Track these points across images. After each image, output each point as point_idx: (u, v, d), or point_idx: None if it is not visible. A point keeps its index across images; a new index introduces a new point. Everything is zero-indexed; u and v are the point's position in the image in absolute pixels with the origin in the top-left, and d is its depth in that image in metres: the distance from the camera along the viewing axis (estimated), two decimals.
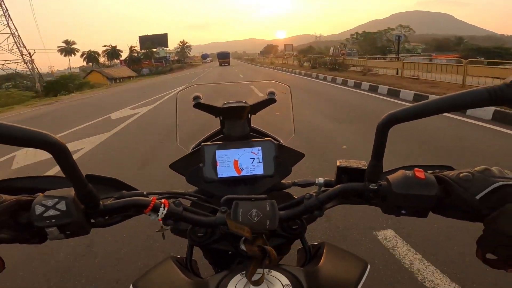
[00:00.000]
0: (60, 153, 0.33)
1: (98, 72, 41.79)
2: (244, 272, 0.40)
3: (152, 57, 61.87)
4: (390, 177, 0.41)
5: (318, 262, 0.43)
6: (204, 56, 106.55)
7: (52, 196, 0.37)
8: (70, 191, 0.38)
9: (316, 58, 17.94)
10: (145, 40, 66.65)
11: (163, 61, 64.26)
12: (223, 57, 49.80)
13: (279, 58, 33.67)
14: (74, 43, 62.34)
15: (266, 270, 0.40)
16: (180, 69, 51.69)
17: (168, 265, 0.45)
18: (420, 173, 0.39)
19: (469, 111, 4.47)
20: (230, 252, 0.51)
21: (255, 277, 0.38)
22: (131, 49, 61.22)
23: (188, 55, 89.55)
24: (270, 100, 0.56)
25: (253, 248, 0.39)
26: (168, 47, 71.29)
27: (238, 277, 0.39)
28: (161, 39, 70.68)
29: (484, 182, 0.36)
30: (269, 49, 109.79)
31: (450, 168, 0.44)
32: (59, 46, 61.80)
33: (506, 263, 0.35)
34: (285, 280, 0.38)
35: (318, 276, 0.41)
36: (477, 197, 0.36)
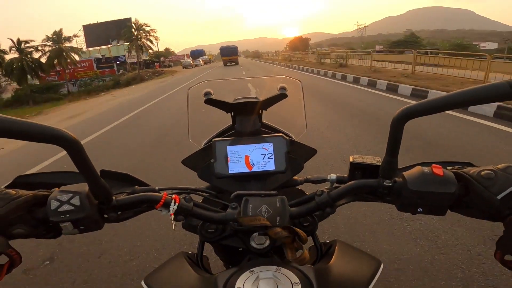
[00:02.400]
0: (73, 148, 0.33)
1: None
2: (254, 268, 0.40)
3: (101, 60, 33.03)
4: (406, 173, 0.39)
5: (329, 260, 0.43)
6: (195, 55, 63.11)
7: (66, 191, 0.38)
8: (84, 186, 0.38)
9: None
10: (95, 30, 37.97)
11: (115, 65, 33.95)
12: (229, 54, 34.71)
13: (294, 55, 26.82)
14: None
15: (275, 267, 0.39)
16: (143, 80, 25.48)
17: (179, 261, 0.45)
18: (438, 170, 0.38)
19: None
20: (240, 249, 0.51)
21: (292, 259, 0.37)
22: (20, 45, 25.16)
23: (174, 53, 62.78)
24: (281, 96, 0.56)
25: (277, 230, 0.38)
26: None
27: (247, 273, 0.39)
28: (120, 26, 36.18)
29: (507, 181, 0.35)
30: (295, 44, 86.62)
31: (470, 164, 0.42)
32: None
33: None
34: (295, 278, 0.38)
35: (329, 274, 0.40)
36: (499, 196, 0.34)
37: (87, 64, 31.45)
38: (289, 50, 64.84)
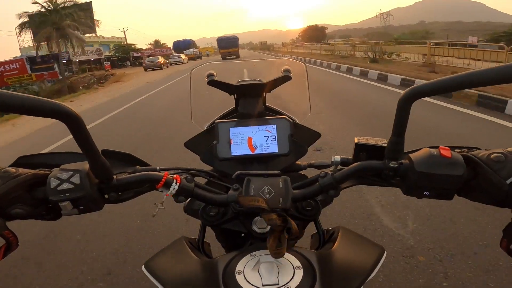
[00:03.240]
0: (74, 123, 0.32)
1: None
2: (255, 252, 0.39)
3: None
4: (412, 155, 0.38)
5: (332, 246, 0.42)
6: (180, 47, 45.26)
7: (67, 170, 0.37)
8: (85, 165, 0.38)
9: None
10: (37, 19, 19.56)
11: (55, 65, 18.34)
12: (228, 46, 29.87)
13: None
14: None
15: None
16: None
17: (180, 246, 0.45)
18: (446, 152, 0.36)
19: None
20: (243, 235, 0.50)
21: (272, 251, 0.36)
22: None
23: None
24: (285, 78, 0.55)
25: (272, 216, 0.37)
26: (95, 33, 24.13)
27: (248, 257, 0.39)
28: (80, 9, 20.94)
29: None
30: (309, 34, 66.05)
31: (478, 149, 0.41)
32: None
33: None
34: (297, 262, 0.37)
35: (331, 259, 0.40)
36: (508, 181, 0.33)
37: (17, 66, 18.50)
38: (302, 41, 52.14)
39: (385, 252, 0.40)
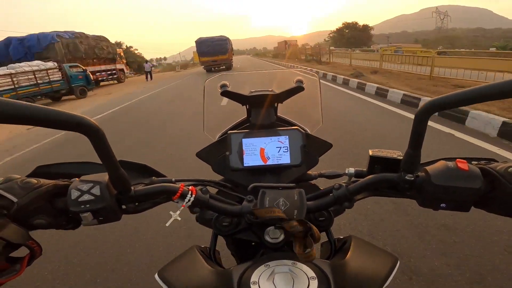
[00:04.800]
0: (96, 136, 0.33)
1: None
2: (269, 263, 0.39)
3: None
4: (429, 168, 0.38)
5: (345, 256, 0.42)
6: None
7: (87, 181, 0.38)
8: (104, 176, 0.38)
9: None
10: None
11: None
12: (213, 52, 18.55)
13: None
14: None
15: (291, 262, 0.39)
16: None
17: (193, 255, 0.45)
18: (463, 164, 0.37)
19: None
20: (253, 244, 0.50)
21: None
22: None
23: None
24: (298, 89, 0.55)
25: (293, 224, 0.37)
26: None
27: (262, 268, 0.39)
28: None
29: None
30: (344, 35, 45.22)
31: (494, 161, 0.41)
32: None
33: None
34: (311, 273, 0.37)
35: (345, 269, 0.40)
36: None
37: None
38: (331, 46, 29.05)
39: (398, 262, 0.40)
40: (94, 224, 0.39)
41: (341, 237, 0.50)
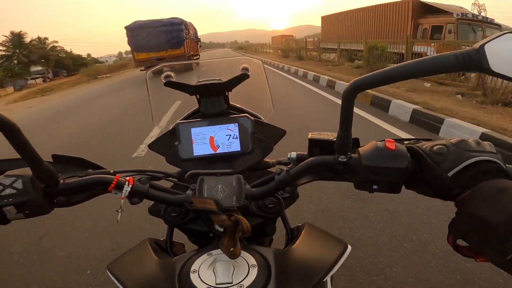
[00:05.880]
0: (10, 131, 0.32)
1: None
2: (212, 251, 0.39)
3: None
4: (360, 149, 0.39)
5: (294, 243, 0.42)
6: None
7: (10, 176, 0.37)
8: (28, 170, 0.38)
9: None
10: None
11: None
12: (155, 46, 11.50)
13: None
14: None
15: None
16: None
17: (143, 247, 0.45)
18: (390, 144, 0.37)
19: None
20: (211, 234, 0.50)
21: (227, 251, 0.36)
22: None
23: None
24: (243, 76, 0.54)
25: (221, 217, 0.37)
26: None
27: (204, 256, 0.39)
28: None
29: (458, 156, 0.33)
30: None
31: (428, 140, 0.41)
32: None
33: (477, 252, 0.31)
34: (252, 261, 0.37)
35: (289, 256, 0.40)
36: (450, 173, 0.33)
37: None
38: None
39: (349, 248, 0.40)
40: (20, 218, 0.38)
41: (299, 225, 0.51)
